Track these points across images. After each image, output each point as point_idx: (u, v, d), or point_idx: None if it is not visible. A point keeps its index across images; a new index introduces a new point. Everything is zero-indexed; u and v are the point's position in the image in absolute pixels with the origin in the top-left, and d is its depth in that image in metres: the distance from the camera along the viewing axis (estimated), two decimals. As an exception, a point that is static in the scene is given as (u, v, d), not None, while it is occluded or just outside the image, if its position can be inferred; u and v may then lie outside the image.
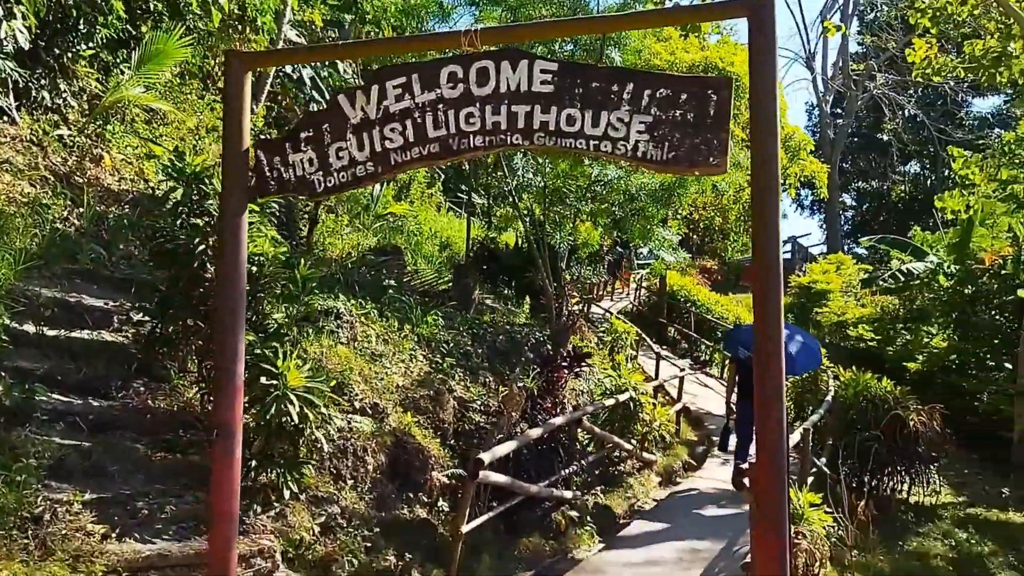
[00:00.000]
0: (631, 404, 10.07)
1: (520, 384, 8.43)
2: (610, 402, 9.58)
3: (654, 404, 10.71)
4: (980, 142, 41.30)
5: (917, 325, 19.61)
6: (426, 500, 7.51)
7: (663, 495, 9.98)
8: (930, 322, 18.61)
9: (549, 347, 11.83)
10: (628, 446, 9.92)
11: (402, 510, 7.19)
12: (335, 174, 4.06)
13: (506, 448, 6.90)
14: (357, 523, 6.44)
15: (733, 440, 10.31)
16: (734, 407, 10.69)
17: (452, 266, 16.96)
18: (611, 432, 9.88)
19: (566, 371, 10.35)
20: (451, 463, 7.99)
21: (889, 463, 9.67)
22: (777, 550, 3.28)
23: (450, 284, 13.69)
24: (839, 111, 42.15)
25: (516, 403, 7.79)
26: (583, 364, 10.65)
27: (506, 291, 17.09)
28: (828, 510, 6.46)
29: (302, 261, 6.59)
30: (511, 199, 13.28)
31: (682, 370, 14.23)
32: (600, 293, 28.66)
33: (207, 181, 6.05)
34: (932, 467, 10.12)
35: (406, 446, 7.61)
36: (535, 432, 7.48)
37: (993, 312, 17.70)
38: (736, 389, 11.41)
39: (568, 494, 8.42)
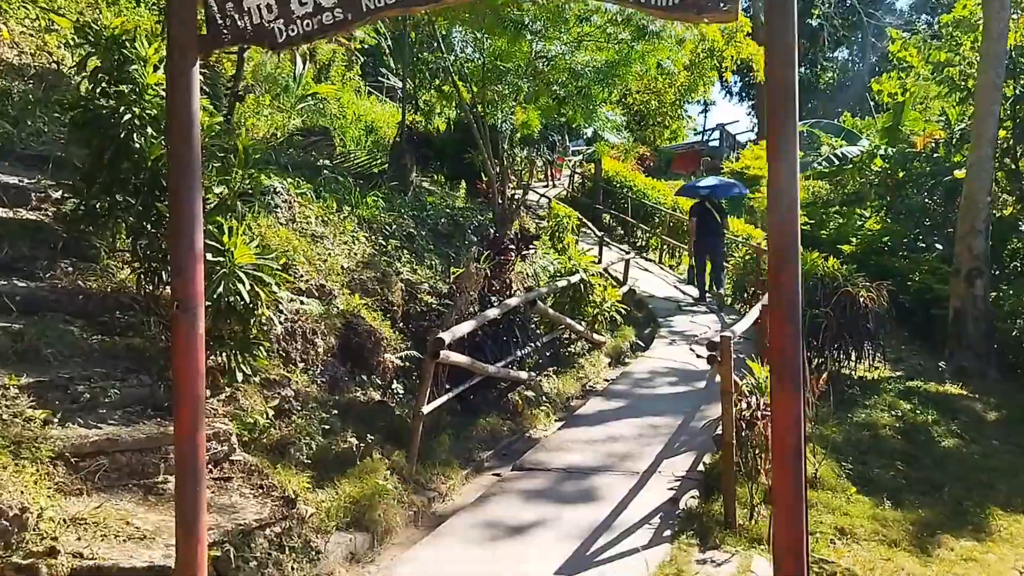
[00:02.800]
0: (582, 286, 9.89)
1: (475, 264, 8.13)
2: (562, 284, 9.36)
3: (604, 286, 10.55)
4: (908, 28, 41.55)
5: (851, 208, 19.86)
6: (380, 383, 7.26)
7: (614, 375, 9.94)
8: (864, 205, 18.86)
9: (492, 230, 11.51)
10: (579, 327, 9.79)
11: (356, 393, 6.93)
12: (298, 22, 3.51)
13: (466, 327, 6.64)
14: (312, 406, 6.14)
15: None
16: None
17: (380, 150, 16.38)
18: (562, 314, 9.72)
19: (513, 254, 10.09)
20: (403, 346, 7.71)
21: (839, 339, 9.76)
22: (792, 480, 3.06)
23: (385, 166, 13.13)
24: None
25: (475, 281, 7.50)
26: (530, 247, 10.40)
27: (438, 176, 16.60)
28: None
29: (242, 131, 6.06)
30: (449, 78, 12.65)
31: (627, 253, 14.10)
32: (533, 180, 28.26)
33: (128, 45, 5.42)
34: (879, 342, 10.28)
35: (356, 328, 7.28)
36: (492, 312, 7.22)
37: (924, 195, 18.03)
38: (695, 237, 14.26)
39: (524, 375, 8.27)
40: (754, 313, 7.56)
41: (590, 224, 15.88)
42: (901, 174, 17.57)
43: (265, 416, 5.64)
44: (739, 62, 21.79)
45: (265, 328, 5.92)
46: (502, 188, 11.92)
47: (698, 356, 10.63)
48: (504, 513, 5.72)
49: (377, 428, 6.53)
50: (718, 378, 9.77)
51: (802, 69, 43.94)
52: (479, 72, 11.89)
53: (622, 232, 21.69)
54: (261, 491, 4.99)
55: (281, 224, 7.87)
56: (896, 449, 8.43)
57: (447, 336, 6.29)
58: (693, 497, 6.08)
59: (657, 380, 9.55)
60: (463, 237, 10.85)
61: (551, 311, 8.97)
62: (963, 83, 16.93)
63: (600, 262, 14.58)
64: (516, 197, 12.65)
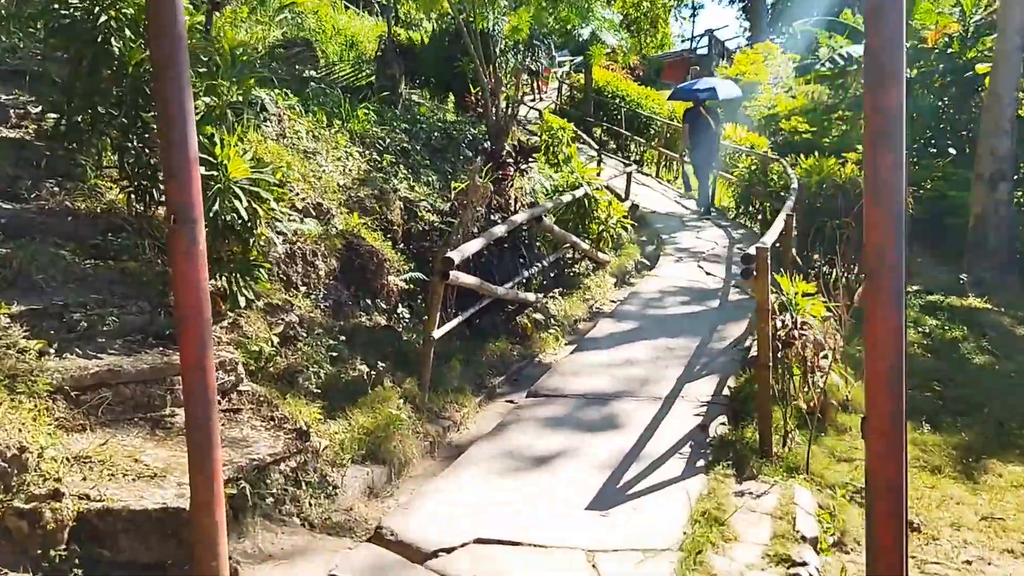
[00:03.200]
0: (586, 201, 9.43)
1: (480, 177, 7.64)
2: (566, 198, 8.88)
3: (608, 201, 10.10)
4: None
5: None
6: (384, 306, 6.86)
7: (622, 296, 9.58)
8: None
9: (488, 144, 10.97)
10: (585, 245, 9.38)
11: (361, 318, 6.55)
12: None
13: (474, 246, 6.21)
14: (318, 332, 5.76)
15: None
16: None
17: (364, 63, 15.73)
18: (567, 231, 9.30)
19: (512, 168, 9.61)
20: (406, 267, 7.29)
21: (860, 251, 9.39)
22: (892, 409, 2.67)
23: (372, 78, 12.46)
24: None
25: (481, 195, 7.03)
26: (530, 160, 9.89)
27: (424, 90, 15.91)
28: (822, 299, 6.06)
29: (227, 32, 5.49)
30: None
31: (626, 166, 13.57)
32: (519, 92, 27.39)
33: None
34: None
35: (358, 249, 6.85)
36: (500, 229, 6.78)
37: (936, 95, 17.32)
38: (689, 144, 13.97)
39: (531, 296, 7.89)
40: (779, 224, 7.13)
41: (586, 137, 15.26)
42: (914, 72, 16.86)
43: (270, 343, 5.26)
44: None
45: (265, 249, 5.50)
46: (495, 99, 11.30)
47: (708, 273, 10.28)
48: (525, 442, 5.40)
49: (386, 354, 6.17)
50: (733, 295, 9.48)
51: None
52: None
53: (615, 146, 21.06)
54: (272, 423, 4.66)
55: (272, 139, 7.34)
56: (928, 368, 8.15)
57: (456, 255, 5.86)
58: (722, 424, 5.76)
59: (667, 300, 9.19)
60: (457, 151, 10.32)
61: (556, 228, 8.53)
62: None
63: (599, 173, 14.10)
64: (510, 109, 12.02)
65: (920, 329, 9.11)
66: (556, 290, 8.95)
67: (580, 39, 11.96)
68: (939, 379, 7.98)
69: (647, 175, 18.32)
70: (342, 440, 4.90)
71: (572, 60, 28.85)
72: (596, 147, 14.46)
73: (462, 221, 6.72)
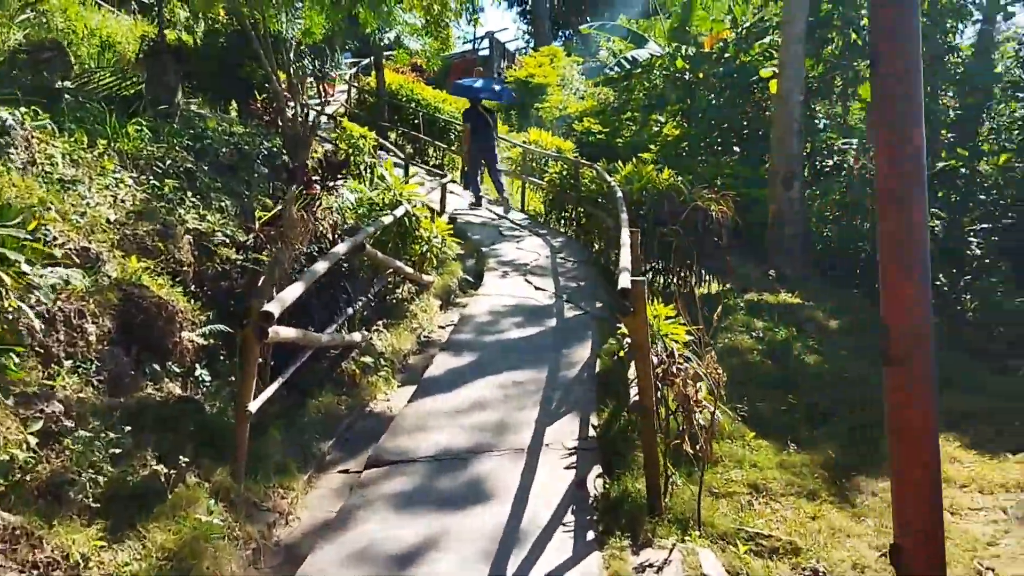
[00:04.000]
0: (407, 221, 8.45)
1: (297, 208, 6.50)
2: (387, 219, 7.86)
3: (430, 217, 9.16)
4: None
5: (647, 115, 19.51)
6: (178, 371, 5.57)
7: (452, 319, 8.69)
8: (663, 110, 18.49)
9: (286, 158, 9.75)
10: (409, 270, 8.40)
11: (148, 390, 5.23)
12: None
13: (295, 291, 5.10)
14: (92, 420, 4.44)
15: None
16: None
17: (126, 68, 13.97)
18: (387, 255, 8.31)
19: (318, 186, 8.51)
20: (203, 317, 6.01)
21: (688, 257, 9.08)
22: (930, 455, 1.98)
23: (141, 87, 10.83)
24: None
25: (301, 231, 5.89)
26: (339, 176, 8.81)
27: (201, 97, 14.31)
28: (681, 321, 5.48)
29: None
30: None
31: (440, 176, 12.62)
32: (304, 96, 25.81)
33: None
34: (727, 258, 9.74)
35: (139, 302, 5.50)
36: (321, 266, 5.68)
37: (717, 96, 17.83)
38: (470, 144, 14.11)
39: (357, 336, 6.83)
40: (626, 243, 6.50)
41: (390, 145, 14.25)
42: (700, 75, 17.24)
43: (25, 448, 3.93)
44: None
45: (11, 321, 4.14)
46: (293, 107, 10.10)
47: (537, 288, 9.62)
48: (378, 535, 4.39)
49: (185, 435, 4.93)
50: (568, 311, 8.87)
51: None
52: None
53: (412, 151, 20.12)
54: (32, 568, 3.40)
55: (17, 170, 5.82)
56: (769, 374, 7.95)
57: (274, 307, 4.74)
58: (599, 476, 5.04)
59: (502, 322, 8.41)
60: (251, 169, 9.01)
61: (380, 255, 7.50)
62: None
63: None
64: (311, 117, 10.85)
65: (753, 333, 8.94)
66: (380, 322, 7.94)
67: (381, 43, 10.89)
68: (783, 385, 7.80)
69: (452, 181, 17.54)
70: (134, 572, 3.70)
71: (359, 62, 27.62)
72: (403, 156, 13.46)
73: (278, 262, 5.56)
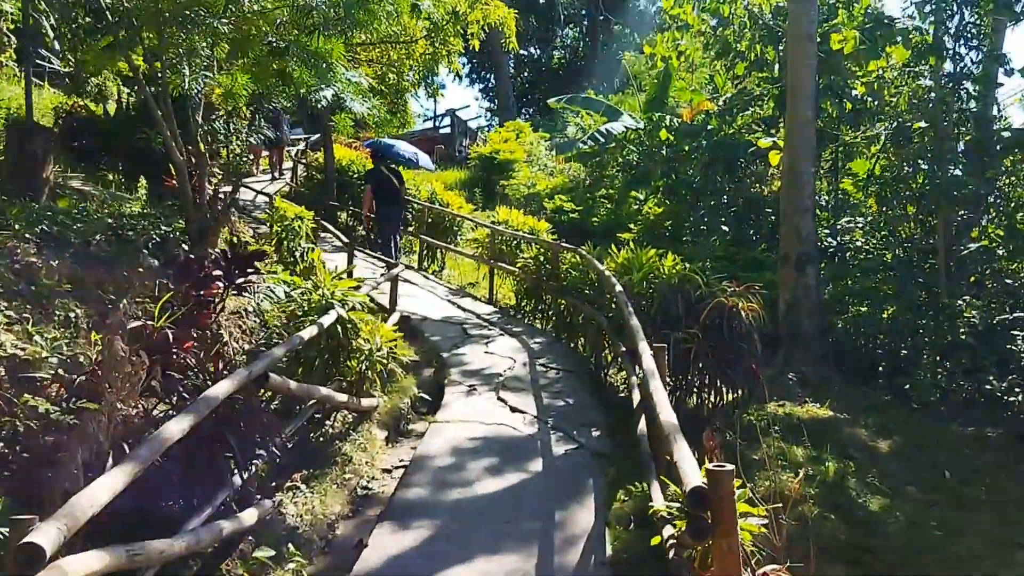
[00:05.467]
0: (340, 329, 6.25)
1: (133, 324, 4.33)
2: (308, 333, 5.65)
3: (372, 321, 6.96)
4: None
5: (627, 191, 17.72)
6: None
7: (402, 460, 6.40)
8: (644, 186, 16.68)
9: (187, 247, 7.60)
10: (340, 397, 6.15)
11: None
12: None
13: (99, 495, 2.88)
14: None
15: None
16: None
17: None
18: (311, 378, 6.10)
19: (223, 284, 6.36)
20: (-6, 505, 3.73)
21: (716, 367, 6.95)
22: None
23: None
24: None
25: (126, 374, 3.69)
26: (252, 270, 6.65)
27: (115, 175, 12.23)
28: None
29: None
30: (116, 24, 8.40)
31: (392, 265, 10.32)
32: (258, 170, 23.75)
33: None
34: (754, 366, 7.66)
35: None
36: (174, 430, 3.47)
37: (701, 172, 16.12)
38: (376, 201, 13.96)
39: (250, 516, 4.54)
40: (653, 370, 4.39)
41: (331, 228, 12.12)
42: (686, 148, 15.50)
43: None
44: (485, 29, 18.97)
45: None
46: (199, 182, 7.99)
47: (514, 410, 7.40)
48: None
49: None
50: (556, 445, 6.67)
51: (532, 49, 42.65)
52: (153, 10, 7.83)
53: (364, 232, 18.00)
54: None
55: None
56: (834, 536, 5.81)
57: (49, 534, 2.53)
58: None
59: (469, 466, 6.15)
60: (134, 262, 6.84)
61: (294, 384, 5.27)
62: (737, 44, 15.21)
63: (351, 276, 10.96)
64: (223, 194, 8.72)
65: (794, 468, 6.85)
66: (299, 474, 5.69)
67: (320, 105, 8.84)
68: (855, 554, 5.71)
69: (407, 268, 15.40)
70: None
71: (308, 138, 25.70)
72: (346, 240, 11.31)
73: (83, 431, 3.33)
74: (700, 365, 6.82)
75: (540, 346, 9.72)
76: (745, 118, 16.14)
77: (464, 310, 11.64)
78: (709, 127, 15.91)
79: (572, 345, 10.04)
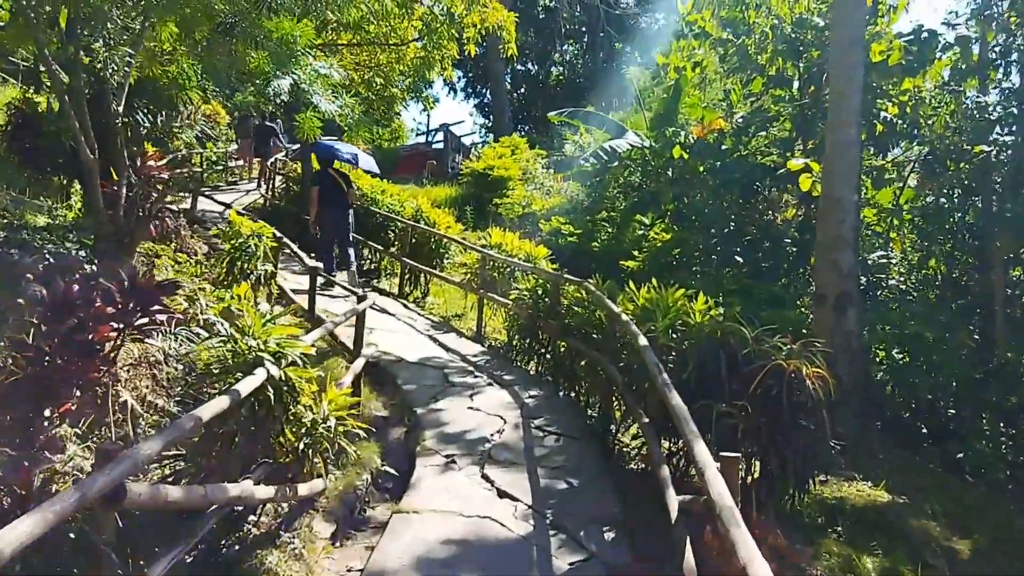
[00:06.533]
0: (271, 392, 4.58)
1: None
2: (217, 405, 3.96)
3: (317, 378, 5.28)
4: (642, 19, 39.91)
5: (631, 214, 16.13)
6: None
7: (351, 567, 4.75)
8: (651, 209, 15.05)
9: (94, 268, 5.95)
10: (264, 492, 4.46)
11: None
12: None
13: None
14: None
15: None
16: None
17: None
18: (230, 459, 4.43)
19: (116, 327, 4.75)
20: None
21: (770, 448, 5.28)
22: None
23: None
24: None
25: None
26: (159, 307, 5.00)
27: (56, 179, 10.64)
28: None
29: None
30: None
31: (358, 295, 8.48)
32: (250, 176, 22.14)
33: None
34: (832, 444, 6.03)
35: None
36: None
37: (714, 197, 14.56)
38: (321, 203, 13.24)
39: None
40: (718, 484, 2.76)
41: (295, 248, 10.44)
42: (702, 168, 13.92)
43: None
44: (482, 32, 17.41)
45: None
46: (116, 186, 6.36)
47: (502, 495, 5.72)
48: None
49: None
50: (559, 555, 4.97)
51: (530, 65, 41.21)
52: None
53: (337, 252, 16.32)
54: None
55: None
56: None
57: None
58: None
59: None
60: (12, 290, 5.19)
61: (176, 492, 3.57)
62: (758, 56, 13.69)
63: (312, 311, 9.24)
64: (149, 201, 7.04)
65: (869, 562, 5.26)
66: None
67: (277, 99, 7.17)
68: None
69: (387, 293, 13.73)
70: None
71: (290, 148, 24.07)
72: (309, 264, 9.66)
73: None
74: (749, 447, 5.17)
75: (536, 400, 8.03)
76: (760, 139, 14.64)
77: (447, 349, 9.95)
78: (723, 147, 14.37)
79: (573, 398, 8.39)
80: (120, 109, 6.78)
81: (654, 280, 7.15)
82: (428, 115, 63.88)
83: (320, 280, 9.79)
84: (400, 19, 18.10)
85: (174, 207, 8.76)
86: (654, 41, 33.79)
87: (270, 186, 19.70)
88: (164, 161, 13.60)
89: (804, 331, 7.84)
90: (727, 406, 5.15)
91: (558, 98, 37.00)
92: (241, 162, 24.25)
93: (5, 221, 6.88)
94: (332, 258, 13.21)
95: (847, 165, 9.51)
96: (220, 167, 21.73)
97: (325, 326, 6.09)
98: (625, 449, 7.20)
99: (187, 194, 14.84)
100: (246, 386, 4.17)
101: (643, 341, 5.47)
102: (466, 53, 20.15)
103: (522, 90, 41.49)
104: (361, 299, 7.61)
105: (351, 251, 13.52)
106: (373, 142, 31.28)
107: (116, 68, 6.60)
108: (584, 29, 39.66)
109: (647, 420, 5.57)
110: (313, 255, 11.08)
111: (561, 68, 41.33)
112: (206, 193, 16.41)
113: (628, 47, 36.27)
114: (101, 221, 6.61)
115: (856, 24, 9.51)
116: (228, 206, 15.81)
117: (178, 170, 15.98)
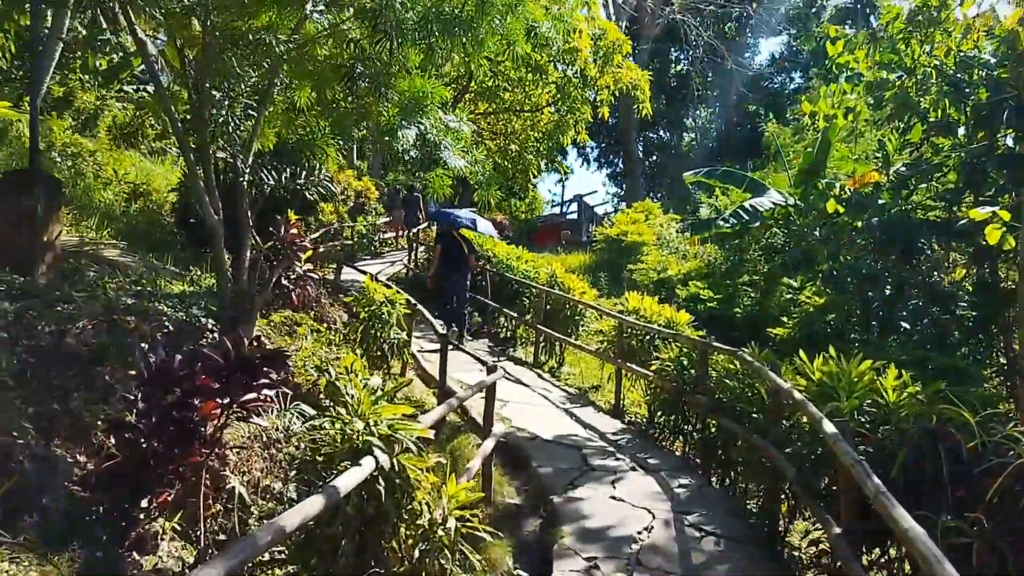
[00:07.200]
0: (382, 484, 3.88)
1: None
2: (308, 509, 3.25)
3: (435, 467, 4.52)
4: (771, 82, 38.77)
5: (777, 276, 14.94)
6: None
7: None
8: (809, 269, 13.78)
9: (215, 333, 5.52)
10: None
11: None
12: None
13: None
14: None
15: None
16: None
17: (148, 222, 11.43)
18: (335, 569, 3.73)
19: (220, 403, 4.20)
20: None
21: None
22: None
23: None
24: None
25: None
26: (266, 381, 4.42)
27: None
28: None
29: None
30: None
31: (492, 361, 7.69)
32: (375, 250, 22.27)
33: None
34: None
35: None
36: None
37: (868, 258, 13.20)
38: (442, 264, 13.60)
39: None
40: None
41: (428, 315, 9.97)
42: (859, 224, 12.66)
43: None
44: (616, 95, 16.74)
45: None
46: (239, 258, 5.99)
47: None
48: None
49: None
50: None
51: (661, 132, 40.53)
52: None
53: (480, 320, 15.87)
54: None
55: None
56: None
57: None
58: None
59: None
60: (122, 359, 4.78)
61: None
62: (920, 99, 12.38)
63: (443, 380, 8.59)
64: (288, 269, 6.65)
65: None
66: None
67: (405, 155, 6.66)
68: None
69: (521, 363, 13.04)
70: None
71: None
72: (440, 330, 9.12)
73: None
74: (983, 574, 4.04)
75: (686, 490, 7.01)
76: (921, 192, 13.22)
77: (584, 425, 9.09)
78: (881, 201, 13.03)
79: (728, 487, 7.34)
80: (247, 169, 6.44)
81: (801, 351, 6.15)
82: (563, 186, 64.22)
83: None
84: (534, 85, 17.92)
85: (315, 275, 8.45)
86: (790, 101, 32.58)
87: (412, 255, 19.66)
88: (317, 235, 13.79)
89: (1000, 409, 6.60)
90: (952, 518, 4.06)
91: (691, 164, 36.10)
92: (392, 233, 24.50)
93: (138, 289, 6.60)
94: (463, 316, 13.65)
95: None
96: (367, 241, 21.93)
97: (449, 402, 5.43)
98: (796, 553, 6.08)
99: (334, 264, 14.84)
100: (346, 481, 3.49)
101: (830, 427, 4.48)
102: (600, 118, 19.77)
103: (654, 157, 40.85)
104: (491, 370, 6.90)
105: (465, 314, 13.83)
106: (511, 213, 31.31)
107: (240, 125, 6.29)
108: (716, 93, 38.75)
109: (838, 531, 4.54)
110: (436, 314, 10.87)
111: (693, 134, 40.46)
112: (356, 264, 16.46)
113: (763, 109, 35.18)
114: (223, 286, 6.23)
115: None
116: (375, 277, 15.63)
117: (331, 243, 16.15)
